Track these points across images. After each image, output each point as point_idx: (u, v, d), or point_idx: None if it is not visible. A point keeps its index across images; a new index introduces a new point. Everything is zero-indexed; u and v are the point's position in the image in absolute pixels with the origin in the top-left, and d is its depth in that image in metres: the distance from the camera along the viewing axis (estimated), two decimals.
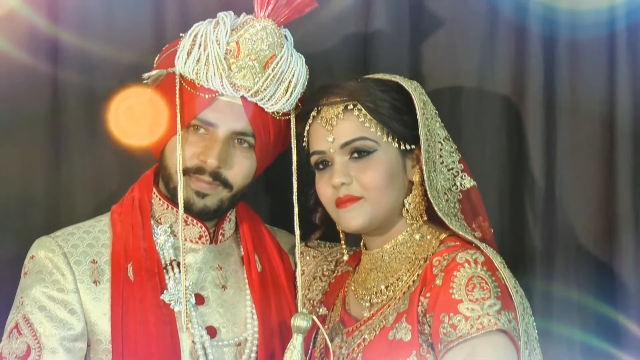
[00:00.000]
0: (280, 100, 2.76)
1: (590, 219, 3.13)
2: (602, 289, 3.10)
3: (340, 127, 2.67)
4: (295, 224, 2.81)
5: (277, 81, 2.75)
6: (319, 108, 2.71)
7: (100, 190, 3.17)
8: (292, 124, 2.81)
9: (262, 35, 2.74)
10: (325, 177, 2.70)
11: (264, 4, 2.77)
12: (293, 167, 2.80)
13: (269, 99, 2.75)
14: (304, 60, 2.82)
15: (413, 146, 2.70)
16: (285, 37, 2.80)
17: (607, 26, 3.11)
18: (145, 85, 2.83)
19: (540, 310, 3.03)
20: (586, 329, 3.10)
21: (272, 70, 2.74)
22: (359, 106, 2.67)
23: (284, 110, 2.79)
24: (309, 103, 2.75)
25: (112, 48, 3.16)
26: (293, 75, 2.77)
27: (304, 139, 2.76)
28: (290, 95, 2.77)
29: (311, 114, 2.73)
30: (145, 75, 2.79)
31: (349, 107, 2.67)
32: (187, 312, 2.73)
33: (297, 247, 2.83)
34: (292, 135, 2.80)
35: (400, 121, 2.68)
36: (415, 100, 2.67)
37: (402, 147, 2.68)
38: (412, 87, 2.70)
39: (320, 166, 2.72)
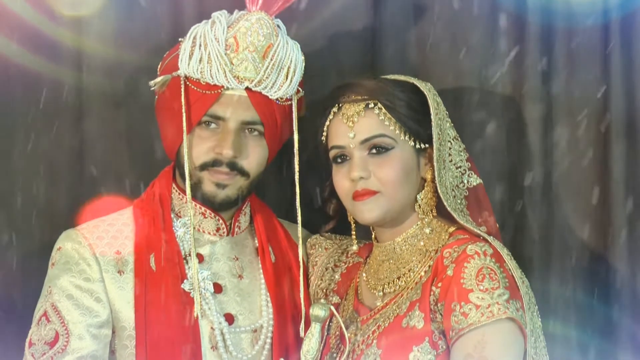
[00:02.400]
0: (282, 87, 2.85)
1: (587, 213, 3.19)
2: (597, 281, 3.17)
3: (361, 123, 2.75)
4: (296, 206, 2.88)
5: (277, 68, 2.83)
6: (340, 105, 2.79)
7: (121, 185, 3.21)
8: (294, 108, 2.89)
9: (257, 27, 2.82)
10: (343, 170, 2.78)
11: None
12: (295, 150, 2.87)
13: (271, 87, 2.84)
14: (299, 46, 2.89)
15: (427, 145, 2.78)
16: (278, 26, 2.88)
17: (602, 16, 3.17)
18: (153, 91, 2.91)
19: (538, 301, 3.00)
20: (581, 323, 3.17)
21: (271, 59, 2.82)
22: (379, 105, 2.75)
23: (287, 96, 2.87)
24: (329, 99, 2.82)
25: (132, 52, 3.22)
26: (291, 61, 2.85)
27: (323, 133, 2.83)
28: (291, 81, 2.85)
29: (332, 110, 2.80)
30: (152, 82, 2.88)
31: (369, 106, 2.75)
32: (200, 300, 2.79)
33: (299, 230, 2.91)
34: (294, 120, 2.89)
35: (416, 120, 2.76)
36: (430, 101, 2.75)
37: (417, 145, 2.76)
38: (427, 89, 2.78)
39: (339, 160, 2.79)
